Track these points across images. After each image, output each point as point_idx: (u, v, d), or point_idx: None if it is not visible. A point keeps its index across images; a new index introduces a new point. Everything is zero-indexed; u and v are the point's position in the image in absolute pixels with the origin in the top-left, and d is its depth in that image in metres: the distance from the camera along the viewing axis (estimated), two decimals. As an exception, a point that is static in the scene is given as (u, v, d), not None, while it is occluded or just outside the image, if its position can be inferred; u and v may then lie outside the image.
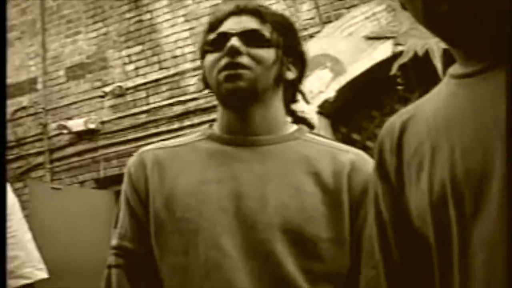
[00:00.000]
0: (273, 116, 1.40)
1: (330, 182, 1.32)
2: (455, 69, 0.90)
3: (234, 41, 1.34)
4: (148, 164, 1.39)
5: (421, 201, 0.87)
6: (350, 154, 1.38)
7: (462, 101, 0.84)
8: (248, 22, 1.38)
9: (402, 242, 0.96)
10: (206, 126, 1.47)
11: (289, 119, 1.46)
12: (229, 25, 1.38)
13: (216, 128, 1.43)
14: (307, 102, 1.54)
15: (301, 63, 1.46)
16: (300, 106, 1.51)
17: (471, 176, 0.79)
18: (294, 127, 1.44)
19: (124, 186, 1.42)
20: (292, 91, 1.47)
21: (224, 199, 1.30)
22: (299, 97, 1.51)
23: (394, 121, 0.99)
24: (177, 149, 1.43)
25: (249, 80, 1.33)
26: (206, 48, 1.40)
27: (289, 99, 1.47)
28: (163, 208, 1.33)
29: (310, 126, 1.48)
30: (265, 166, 1.33)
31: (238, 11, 1.40)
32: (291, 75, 1.43)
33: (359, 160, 1.36)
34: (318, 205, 1.29)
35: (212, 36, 1.40)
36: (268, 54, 1.36)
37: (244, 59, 1.33)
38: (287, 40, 1.41)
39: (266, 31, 1.38)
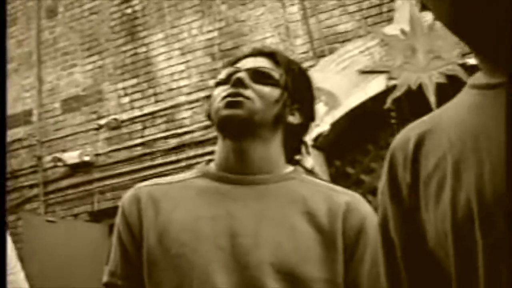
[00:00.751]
0: (271, 156, 1.41)
1: (325, 223, 1.32)
2: (478, 78, 0.84)
3: (241, 74, 1.39)
4: (142, 200, 1.39)
5: (442, 223, 0.80)
6: (346, 195, 1.39)
7: (489, 112, 0.79)
8: (261, 62, 1.45)
9: (413, 267, 0.88)
10: (203, 163, 1.48)
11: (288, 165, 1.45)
12: (243, 63, 1.45)
13: (213, 164, 1.44)
14: (308, 153, 1.56)
15: (307, 113, 1.48)
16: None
17: (501, 196, 0.72)
18: (290, 167, 1.44)
19: (117, 222, 1.42)
20: (294, 138, 1.48)
21: (219, 236, 1.30)
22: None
23: (407, 133, 0.90)
24: (172, 185, 1.43)
25: (247, 110, 1.36)
26: (218, 81, 1.46)
27: (292, 147, 1.47)
28: (157, 245, 1.32)
29: (309, 171, 1.50)
30: (260, 205, 1.34)
31: (256, 53, 1.49)
32: (293, 119, 1.44)
33: (355, 202, 1.37)
34: (313, 246, 1.29)
35: (225, 71, 1.46)
36: (272, 92, 1.40)
37: (247, 92, 1.37)
38: (297, 86, 1.44)
39: (276, 72, 1.42)
